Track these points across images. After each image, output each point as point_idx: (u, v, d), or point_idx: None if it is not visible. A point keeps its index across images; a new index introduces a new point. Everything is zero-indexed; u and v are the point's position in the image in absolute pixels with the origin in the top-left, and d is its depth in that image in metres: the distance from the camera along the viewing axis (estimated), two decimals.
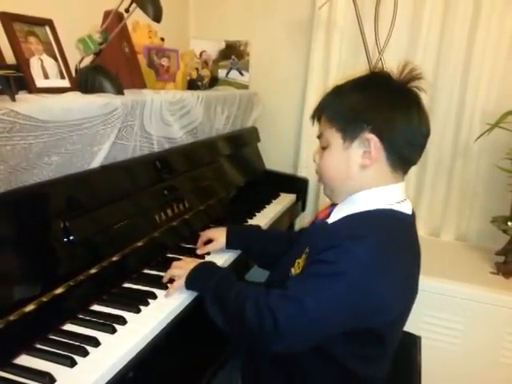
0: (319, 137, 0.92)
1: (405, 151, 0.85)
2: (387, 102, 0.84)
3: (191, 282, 0.97)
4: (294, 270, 0.90)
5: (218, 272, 0.97)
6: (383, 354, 0.90)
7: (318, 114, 0.92)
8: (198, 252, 1.18)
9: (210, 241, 1.21)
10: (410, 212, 0.88)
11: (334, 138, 0.87)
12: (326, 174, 0.91)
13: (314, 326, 0.79)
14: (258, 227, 1.36)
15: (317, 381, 0.89)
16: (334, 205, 0.93)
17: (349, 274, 0.76)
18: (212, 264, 1.02)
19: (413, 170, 1.92)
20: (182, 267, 1.00)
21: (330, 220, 0.89)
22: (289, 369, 0.91)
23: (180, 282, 0.97)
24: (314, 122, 0.94)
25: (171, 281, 1.01)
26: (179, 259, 1.14)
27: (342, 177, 0.88)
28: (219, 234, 1.21)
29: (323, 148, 0.90)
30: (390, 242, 0.80)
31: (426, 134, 0.87)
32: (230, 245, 1.20)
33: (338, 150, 0.87)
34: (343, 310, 0.78)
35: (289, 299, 0.80)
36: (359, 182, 0.86)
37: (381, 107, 0.83)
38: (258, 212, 1.60)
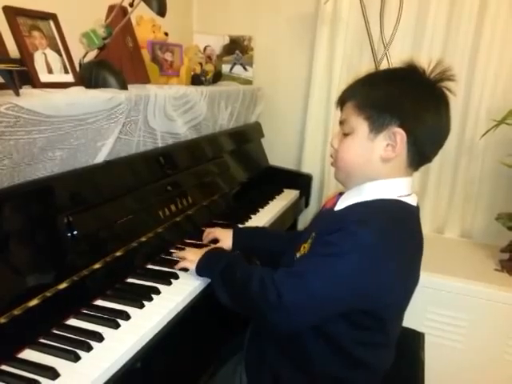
0: (342, 122, 0.91)
1: (427, 148, 0.86)
2: (419, 98, 0.84)
3: (201, 267, 1.00)
4: (299, 254, 0.92)
5: (227, 255, 1.01)
6: (385, 341, 0.92)
7: (346, 99, 0.91)
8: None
9: (215, 240, 1.22)
10: (415, 205, 0.89)
11: (361, 125, 0.86)
12: (345, 160, 0.90)
13: (314, 300, 0.81)
14: (263, 228, 1.37)
15: (321, 367, 0.90)
16: (340, 194, 0.94)
17: (352, 255, 0.78)
18: (223, 249, 1.09)
19: None
20: (195, 252, 1.05)
21: (337, 207, 0.90)
22: (294, 356, 0.92)
23: (189, 264, 1.02)
24: (337, 107, 0.93)
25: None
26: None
27: (360, 164, 0.88)
28: (225, 236, 1.22)
29: (345, 134, 0.90)
30: (395, 228, 0.82)
31: (448, 133, 0.87)
32: (236, 246, 1.21)
33: (362, 138, 0.86)
34: (344, 289, 0.80)
35: (292, 274, 0.83)
36: (376, 172, 0.87)
37: (413, 102, 0.83)
38: (262, 208, 1.60)
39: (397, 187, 0.87)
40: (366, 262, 0.78)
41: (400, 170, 0.87)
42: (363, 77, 0.91)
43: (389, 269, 0.80)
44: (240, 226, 1.39)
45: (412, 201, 0.88)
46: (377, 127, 0.84)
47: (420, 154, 0.86)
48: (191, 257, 1.04)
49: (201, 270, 1.01)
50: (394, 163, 0.86)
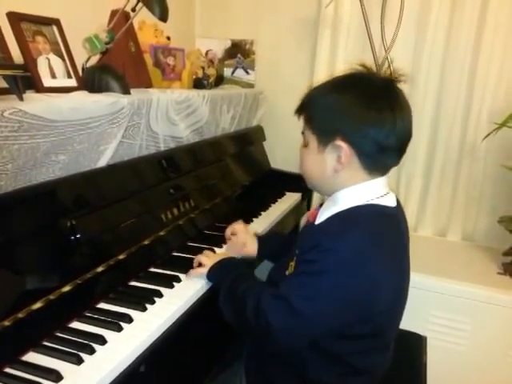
0: (302, 133, 0.93)
1: (378, 156, 0.84)
2: (359, 107, 0.82)
3: (212, 273, 1.02)
4: (288, 272, 0.91)
5: (238, 268, 1.00)
6: (382, 345, 0.92)
7: (301, 110, 0.92)
8: (232, 254, 1.16)
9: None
10: (393, 205, 0.88)
11: (311, 139, 0.88)
12: (305, 172, 0.93)
13: (303, 322, 0.80)
14: (286, 235, 1.36)
15: (318, 376, 0.89)
16: (321, 205, 0.94)
17: (331, 271, 0.78)
18: (236, 261, 1.07)
19: (419, 169, 1.94)
20: (210, 257, 1.06)
21: (317, 221, 0.90)
22: (290, 364, 0.92)
23: (202, 270, 1.03)
24: (298, 117, 0.93)
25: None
26: (185, 258, 1.15)
27: (318, 176, 0.90)
28: (250, 242, 1.20)
29: (304, 146, 0.91)
30: (370, 234, 0.81)
31: (402, 137, 0.84)
32: (261, 254, 1.20)
33: (314, 152, 0.88)
34: (331, 305, 0.80)
35: (278, 299, 0.82)
36: (334, 182, 0.87)
37: (353, 113, 0.82)
38: (264, 211, 1.60)
39: (368, 190, 0.86)
40: (346, 275, 0.78)
41: (361, 176, 0.85)
42: (316, 87, 0.91)
43: (372, 277, 0.79)
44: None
45: (389, 201, 0.87)
46: (323, 141, 0.85)
47: (374, 161, 0.84)
48: (206, 261, 1.05)
49: (211, 277, 1.02)
50: (349, 173, 0.85)
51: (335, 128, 0.83)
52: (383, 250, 0.82)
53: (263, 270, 1.38)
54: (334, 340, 0.85)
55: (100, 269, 0.96)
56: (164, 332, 0.88)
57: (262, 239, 1.22)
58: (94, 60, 1.19)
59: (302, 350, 0.88)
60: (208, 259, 1.05)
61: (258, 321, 0.82)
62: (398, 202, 0.91)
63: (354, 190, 0.86)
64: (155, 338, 0.86)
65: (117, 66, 1.18)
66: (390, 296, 0.85)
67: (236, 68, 1.97)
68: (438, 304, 1.57)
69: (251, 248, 1.19)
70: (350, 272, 0.78)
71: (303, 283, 0.81)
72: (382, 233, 0.83)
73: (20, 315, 0.78)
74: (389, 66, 1.68)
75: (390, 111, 0.82)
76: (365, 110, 0.82)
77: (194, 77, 1.60)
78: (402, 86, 0.87)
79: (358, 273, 0.78)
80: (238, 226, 1.24)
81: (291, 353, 0.90)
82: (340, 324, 0.83)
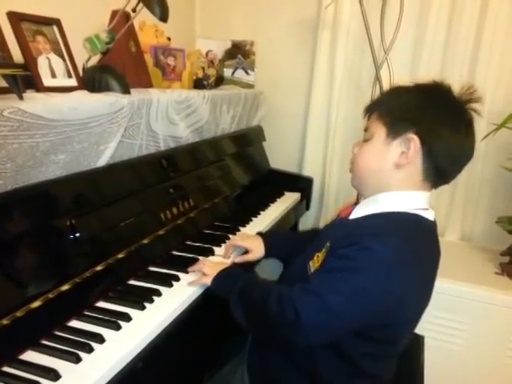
0: (365, 129, 0.93)
1: (443, 162, 0.85)
2: (439, 111, 0.84)
3: (217, 283, 0.99)
4: (313, 263, 0.91)
5: (243, 276, 0.98)
6: (392, 352, 0.92)
7: (373, 108, 0.92)
8: (236, 261, 1.17)
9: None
10: (432, 219, 0.89)
11: (379, 130, 0.88)
12: (359, 164, 0.92)
13: (332, 318, 0.80)
14: (292, 233, 1.35)
15: (326, 376, 0.90)
16: (355, 204, 0.94)
17: (367, 270, 0.78)
18: (238, 269, 1.04)
19: None
20: (212, 267, 1.03)
21: (352, 216, 0.90)
22: (298, 362, 0.92)
23: (206, 280, 1.00)
24: (365, 116, 0.95)
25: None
26: (184, 257, 1.16)
27: (373, 169, 0.89)
28: (256, 245, 1.20)
29: (365, 140, 0.92)
30: (411, 243, 0.81)
31: (469, 155, 0.87)
32: (268, 255, 1.20)
33: (378, 143, 0.88)
34: (361, 304, 0.79)
35: (310, 293, 0.81)
36: (388, 179, 0.87)
37: (431, 112, 0.84)
38: (263, 210, 1.61)
39: (413, 200, 0.86)
40: (381, 277, 0.78)
41: (414, 182, 0.86)
42: (392, 88, 0.93)
43: (404, 285, 0.80)
44: (241, 228, 1.40)
45: (429, 216, 0.88)
46: (393, 132, 0.86)
47: (436, 167, 0.85)
48: (208, 271, 1.02)
49: (217, 288, 0.99)
50: (408, 173, 0.86)
51: (411, 119, 0.84)
52: (420, 262, 0.82)
53: (266, 268, 1.39)
54: (348, 339, 0.85)
55: (99, 268, 0.97)
56: (163, 331, 0.89)
57: (269, 239, 1.22)
58: (95, 60, 1.20)
59: (314, 349, 0.88)
60: (210, 269, 1.03)
61: (284, 314, 0.81)
62: (435, 220, 0.91)
63: (401, 195, 0.86)
64: (154, 337, 0.86)
65: (117, 66, 1.19)
66: (415, 310, 0.86)
67: (236, 68, 1.97)
68: (435, 304, 1.55)
69: (258, 251, 1.19)
70: (385, 274, 0.78)
71: (337, 279, 0.80)
72: (421, 245, 0.84)
73: (19, 314, 0.78)
74: (388, 67, 1.69)
75: (465, 124, 0.84)
76: (443, 115, 0.84)
77: (195, 77, 1.60)
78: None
79: (393, 276, 0.78)
80: (233, 239, 1.24)
81: (303, 350, 0.90)
82: (365, 324, 0.83)
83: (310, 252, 0.94)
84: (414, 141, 0.83)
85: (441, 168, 0.86)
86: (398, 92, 0.92)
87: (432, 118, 0.84)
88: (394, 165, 0.86)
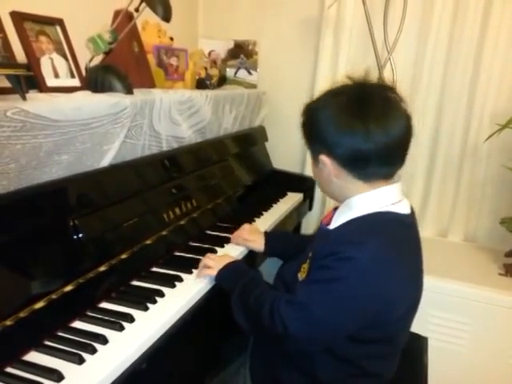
0: None
1: (359, 164, 0.83)
2: (344, 116, 0.82)
3: (221, 277, 1.02)
4: (301, 275, 0.92)
5: (247, 273, 1.00)
6: (391, 351, 0.92)
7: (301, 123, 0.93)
8: (238, 242, 1.24)
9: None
10: (408, 212, 0.88)
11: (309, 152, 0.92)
12: (318, 182, 0.95)
13: (320, 329, 0.81)
14: (292, 233, 1.37)
15: (326, 376, 0.90)
16: (335, 209, 0.94)
17: (349, 278, 0.78)
18: (243, 264, 1.06)
19: (421, 170, 1.94)
20: (217, 260, 1.06)
21: (331, 226, 0.90)
22: (298, 363, 0.93)
23: (211, 272, 1.03)
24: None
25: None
26: (187, 258, 1.16)
27: (327, 186, 0.92)
28: (257, 237, 1.24)
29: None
30: (389, 244, 0.81)
31: (383, 145, 0.80)
32: (267, 250, 1.23)
33: (314, 167, 0.92)
34: (346, 314, 0.80)
35: (295, 305, 0.83)
36: (344, 189, 0.88)
37: (333, 126, 0.83)
38: (266, 211, 1.60)
39: (383, 196, 0.86)
40: (363, 284, 0.78)
41: (362, 185, 0.85)
42: (310, 102, 0.92)
43: (388, 287, 0.80)
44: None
45: (404, 208, 0.87)
46: (314, 157, 0.89)
47: (359, 170, 0.84)
48: (213, 264, 1.04)
49: (221, 281, 1.02)
50: (349, 181, 0.86)
51: (318, 143, 0.86)
52: (401, 261, 0.82)
53: (266, 268, 1.39)
54: (345, 343, 0.86)
55: (102, 268, 0.97)
56: (166, 331, 0.89)
57: (270, 236, 1.24)
58: (98, 60, 1.20)
59: (314, 351, 0.89)
60: (215, 262, 1.05)
61: (275, 327, 0.83)
62: (411, 209, 0.91)
63: (366, 196, 0.86)
64: (157, 338, 0.86)
65: (120, 66, 1.18)
66: (405, 307, 0.86)
67: (239, 68, 1.97)
68: (438, 305, 1.57)
69: (257, 242, 1.22)
70: (366, 281, 0.78)
71: (321, 290, 0.81)
72: (400, 243, 0.83)
73: (22, 314, 0.78)
74: (392, 67, 1.68)
75: (360, 120, 0.80)
76: (352, 114, 0.82)
77: (197, 77, 1.60)
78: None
79: (375, 282, 0.79)
80: (239, 231, 1.28)
81: (302, 352, 0.91)
82: (356, 328, 0.83)
83: (299, 262, 0.95)
84: (326, 161, 0.84)
85: (363, 167, 0.83)
86: (310, 108, 0.91)
87: (332, 132, 0.83)
88: (334, 182, 0.87)
